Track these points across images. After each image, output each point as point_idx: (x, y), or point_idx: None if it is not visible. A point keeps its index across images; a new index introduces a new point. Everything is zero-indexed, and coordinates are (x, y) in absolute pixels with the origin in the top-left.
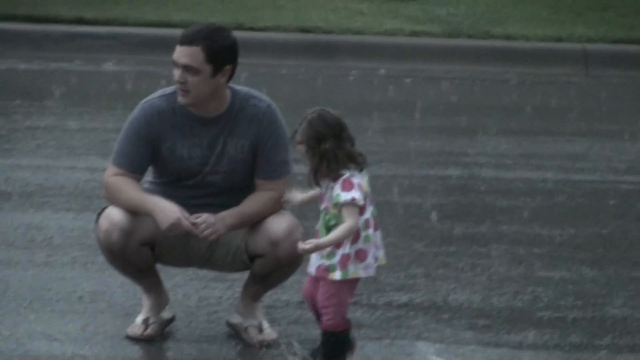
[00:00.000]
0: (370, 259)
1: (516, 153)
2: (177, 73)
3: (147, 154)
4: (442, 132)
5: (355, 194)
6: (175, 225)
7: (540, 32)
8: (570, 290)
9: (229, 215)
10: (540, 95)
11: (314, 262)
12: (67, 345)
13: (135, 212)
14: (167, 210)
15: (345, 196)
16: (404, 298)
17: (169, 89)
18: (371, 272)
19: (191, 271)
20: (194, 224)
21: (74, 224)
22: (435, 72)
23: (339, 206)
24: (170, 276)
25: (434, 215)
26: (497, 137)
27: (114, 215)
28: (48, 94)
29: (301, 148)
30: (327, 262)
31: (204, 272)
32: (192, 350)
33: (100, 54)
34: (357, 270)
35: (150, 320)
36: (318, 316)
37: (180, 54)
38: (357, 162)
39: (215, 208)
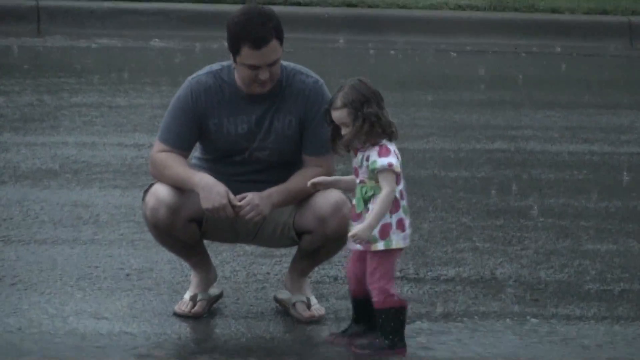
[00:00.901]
0: (407, 230)
1: (562, 126)
2: (260, 73)
3: (194, 131)
4: (488, 105)
5: (392, 159)
6: (218, 209)
7: (585, 5)
8: (617, 263)
9: (275, 193)
10: (586, 68)
11: None
12: (114, 323)
13: (181, 189)
14: (213, 191)
15: (382, 162)
16: (451, 272)
17: (215, 66)
18: (408, 242)
19: (239, 247)
20: (237, 206)
21: (121, 201)
22: (480, 45)
23: (376, 172)
24: (218, 252)
25: (480, 189)
26: (543, 110)
27: (161, 191)
28: (94, 71)
29: (341, 113)
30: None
31: (251, 248)
32: (240, 327)
33: (146, 30)
34: (399, 241)
35: (198, 297)
36: (355, 294)
37: (264, 55)
38: (392, 131)
39: (263, 184)
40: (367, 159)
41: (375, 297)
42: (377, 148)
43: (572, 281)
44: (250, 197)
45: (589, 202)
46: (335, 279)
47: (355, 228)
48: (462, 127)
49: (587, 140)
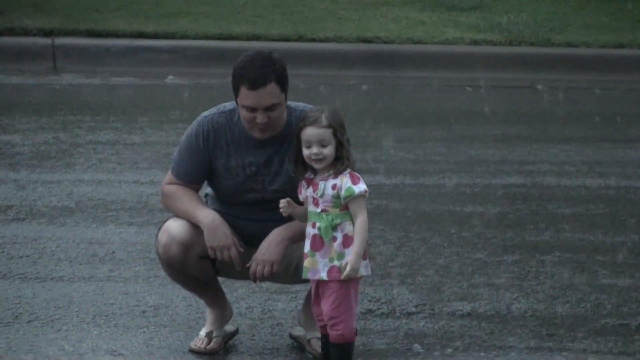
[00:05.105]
0: (367, 258)
1: (578, 160)
2: (258, 116)
3: (204, 166)
4: (504, 140)
5: (365, 186)
6: (222, 248)
7: (601, 38)
8: (634, 297)
9: (286, 228)
10: (602, 102)
11: (322, 266)
12: None
13: (194, 225)
14: (218, 231)
15: (358, 188)
16: (467, 307)
17: (228, 105)
18: (369, 270)
19: (254, 283)
20: (247, 267)
21: (137, 238)
22: (496, 80)
23: (351, 199)
24: (234, 289)
25: (496, 224)
26: (559, 144)
27: (173, 228)
28: (109, 108)
29: (325, 132)
30: (337, 263)
31: (267, 285)
32: None
33: (161, 67)
34: (361, 269)
35: (214, 334)
36: (325, 330)
37: (260, 97)
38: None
39: (277, 223)
40: (334, 188)
41: (341, 330)
42: (347, 175)
43: (589, 316)
44: (254, 258)
45: (606, 236)
46: None
47: (348, 262)
48: (478, 162)
49: (603, 175)
